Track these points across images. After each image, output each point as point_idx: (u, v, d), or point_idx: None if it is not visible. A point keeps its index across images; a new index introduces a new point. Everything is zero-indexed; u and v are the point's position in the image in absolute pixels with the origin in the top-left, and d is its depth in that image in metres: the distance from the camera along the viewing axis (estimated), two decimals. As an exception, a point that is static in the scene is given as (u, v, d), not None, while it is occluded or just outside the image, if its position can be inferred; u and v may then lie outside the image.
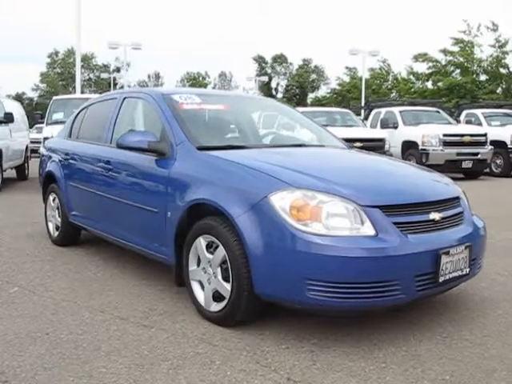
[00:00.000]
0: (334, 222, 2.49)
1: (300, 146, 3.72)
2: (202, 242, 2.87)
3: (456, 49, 33.44)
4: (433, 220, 2.70)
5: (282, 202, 2.52)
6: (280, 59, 62.10)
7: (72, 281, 3.67)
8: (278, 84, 62.89)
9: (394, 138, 12.14)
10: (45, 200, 5.08)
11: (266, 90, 55.53)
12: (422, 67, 36.39)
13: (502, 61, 32.64)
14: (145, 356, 2.46)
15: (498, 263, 4.12)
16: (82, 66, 40.62)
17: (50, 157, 4.99)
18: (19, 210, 6.92)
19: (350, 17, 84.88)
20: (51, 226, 4.91)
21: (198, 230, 2.90)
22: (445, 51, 33.66)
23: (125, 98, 4.07)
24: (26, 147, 11.58)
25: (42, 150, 5.45)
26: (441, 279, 2.62)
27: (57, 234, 4.80)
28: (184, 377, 2.25)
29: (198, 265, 2.94)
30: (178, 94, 3.74)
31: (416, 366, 2.38)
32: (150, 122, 3.81)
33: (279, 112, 4.65)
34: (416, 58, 35.41)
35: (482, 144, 11.67)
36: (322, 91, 57.18)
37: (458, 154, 11.35)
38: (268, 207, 2.54)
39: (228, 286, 2.70)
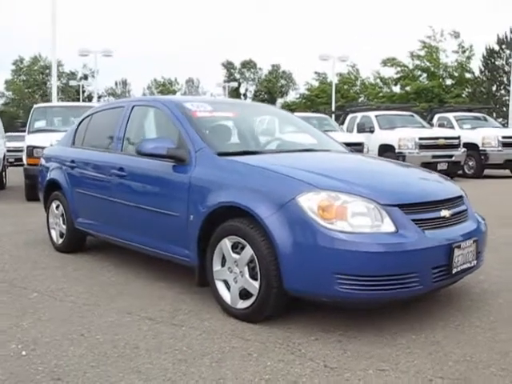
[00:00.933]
0: (357, 221, 2.69)
1: (309, 150, 3.91)
2: (227, 243, 3.02)
3: (423, 53, 34.56)
4: (443, 217, 2.93)
5: (309, 202, 2.70)
6: (249, 65, 62.48)
7: (89, 286, 3.74)
8: (246, 89, 63.24)
9: (371, 142, 12.49)
10: (46, 208, 5.11)
11: (235, 95, 55.69)
12: (391, 72, 37.43)
13: (467, 65, 33.91)
14: (184, 352, 2.59)
15: (493, 257, 4.38)
16: (49, 74, 40.10)
17: (52, 165, 5.02)
18: (9, 219, 6.87)
19: (319, 22, 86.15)
20: (54, 234, 4.93)
21: (223, 231, 3.04)
22: (412, 54, 34.71)
23: (133, 107, 4.17)
24: (4, 156, 11.44)
25: (41, 160, 5.46)
26: (454, 271, 2.85)
27: (61, 241, 4.83)
28: (227, 368, 2.40)
29: (223, 265, 3.08)
30: (189, 101, 3.88)
31: (438, 350, 2.59)
32: (163, 130, 3.94)
33: (279, 118, 4.80)
34: (384, 62, 36.38)
35: (456, 146, 12.15)
36: (291, 96, 57.93)
37: (434, 157, 11.77)
38: (296, 208, 2.72)
39: (256, 284, 2.86)
